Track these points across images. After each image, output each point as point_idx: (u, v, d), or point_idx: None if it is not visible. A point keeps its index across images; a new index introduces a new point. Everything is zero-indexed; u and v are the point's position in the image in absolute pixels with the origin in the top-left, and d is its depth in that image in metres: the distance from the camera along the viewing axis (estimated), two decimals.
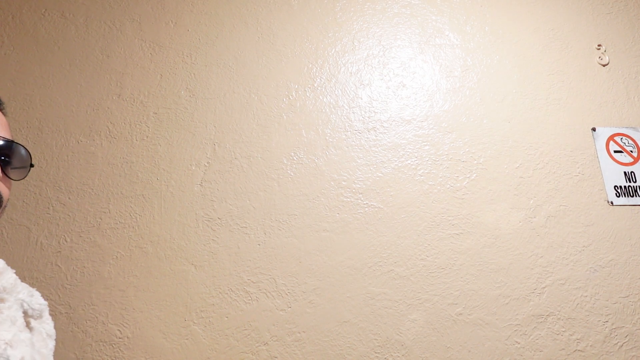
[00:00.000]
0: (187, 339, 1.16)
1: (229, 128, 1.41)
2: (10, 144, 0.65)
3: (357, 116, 1.48)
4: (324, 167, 1.39)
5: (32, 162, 0.71)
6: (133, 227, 1.26)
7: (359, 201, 1.36)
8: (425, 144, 1.47)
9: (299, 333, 1.20)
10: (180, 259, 1.24)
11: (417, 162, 1.44)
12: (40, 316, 0.67)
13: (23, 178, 0.69)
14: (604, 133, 1.55)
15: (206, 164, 1.36)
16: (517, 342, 1.24)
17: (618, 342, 1.27)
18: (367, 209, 1.35)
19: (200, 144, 1.38)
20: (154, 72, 1.45)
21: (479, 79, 1.58)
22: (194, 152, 1.37)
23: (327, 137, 1.43)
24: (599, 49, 1.68)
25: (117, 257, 1.22)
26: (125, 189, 1.30)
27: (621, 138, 1.55)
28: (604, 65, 1.65)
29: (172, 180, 1.33)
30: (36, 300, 0.68)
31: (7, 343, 0.55)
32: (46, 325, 0.65)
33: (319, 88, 1.50)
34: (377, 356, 1.20)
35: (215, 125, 1.41)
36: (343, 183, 1.38)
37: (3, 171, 0.64)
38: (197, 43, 1.51)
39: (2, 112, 0.70)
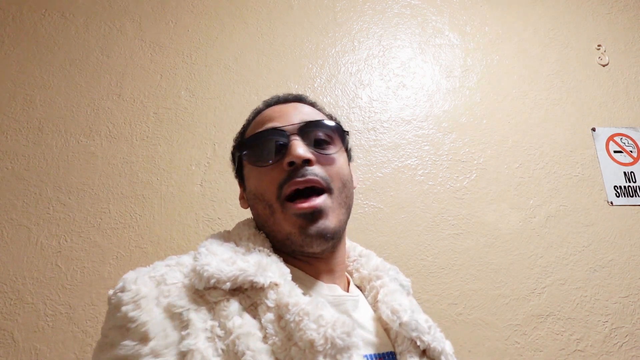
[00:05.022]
0: None
1: (229, 128, 1.41)
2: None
3: (357, 116, 1.48)
4: None
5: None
6: (133, 227, 1.26)
7: (359, 201, 1.36)
8: (425, 144, 1.47)
9: None
10: None
11: (417, 162, 1.44)
12: (409, 292, 0.71)
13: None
14: (603, 133, 1.55)
15: (206, 164, 1.36)
16: (517, 342, 1.24)
17: (618, 342, 1.27)
18: (367, 209, 1.35)
19: (201, 144, 1.38)
20: (154, 72, 1.45)
21: (479, 79, 1.58)
22: (194, 152, 1.37)
23: None
24: (598, 49, 1.68)
25: (117, 257, 1.22)
26: (126, 189, 1.30)
27: (621, 138, 1.55)
28: (604, 65, 1.65)
29: (172, 180, 1.33)
30: (403, 277, 0.72)
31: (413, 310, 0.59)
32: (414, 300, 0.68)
33: (319, 88, 1.50)
34: None
35: (215, 125, 1.41)
36: None
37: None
38: (197, 43, 1.51)
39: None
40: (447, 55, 1.61)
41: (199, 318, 0.48)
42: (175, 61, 1.48)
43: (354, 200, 1.34)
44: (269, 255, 0.56)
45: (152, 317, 0.47)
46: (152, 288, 0.50)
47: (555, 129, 1.53)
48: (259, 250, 0.57)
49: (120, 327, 0.48)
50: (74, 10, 1.50)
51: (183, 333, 0.47)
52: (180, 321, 0.48)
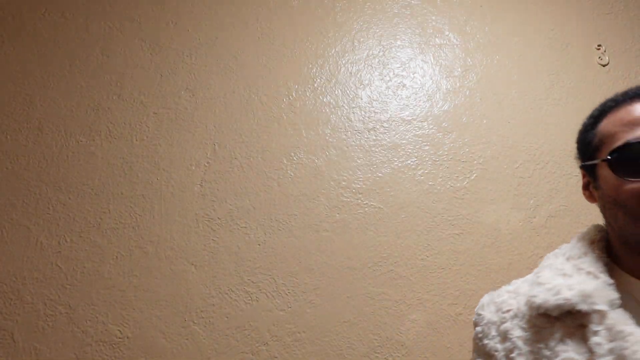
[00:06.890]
0: (187, 339, 1.16)
1: (229, 128, 1.41)
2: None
3: (357, 116, 1.48)
4: (324, 167, 1.39)
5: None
6: (133, 227, 1.26)
7: (359, 201, 1.36)
8: (425, 144, 1.47)
9: (299, 333, 1.20)
10: (180, 259, 1.24)
11: (417, 162, 1.44)
12: None
13: None
14: None
15: (206, 164, 1.36)
16: None
17: None
18: (367, 209, 1.35)
19: (200, 144, 1.38)
20: (154, 72, 1.45)
21: (479, 79, 1.58)
22: (194, 152, 1.37)
23: (327, 137, 1.43)
24: (599, 49, 1.68)
25: (117, 257, 1.22)
26: (125, 189, 1.30)
27: None
28: (604, 65, 1.65)
29: (172, 180, 1.33)
30: None
31: None
32: None
33: (319, 88, 1.50)
34: (377, 356, 1.20)
35: (215, 125, 1.41)
36: (343, 183, 1.38)
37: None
38: (197, 43, 1.51)
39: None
40: (447, 55, 1.61)
41: (525, 342, 0.61)
42: (175, 61, 1.48)
43: (354, 200, 1.35)
44: (597, 278, 0.60)
45: (492, 340, 0.65)
46: (493, 314, 0.68)
47: (555, 129, 1.53)
48: (587, 273, 0.62)
49: (474, 341, 0.69)
50: (74, 10, 1.50)
51: (512, 355, 0.61)
52: (511, 343, 0.62)
